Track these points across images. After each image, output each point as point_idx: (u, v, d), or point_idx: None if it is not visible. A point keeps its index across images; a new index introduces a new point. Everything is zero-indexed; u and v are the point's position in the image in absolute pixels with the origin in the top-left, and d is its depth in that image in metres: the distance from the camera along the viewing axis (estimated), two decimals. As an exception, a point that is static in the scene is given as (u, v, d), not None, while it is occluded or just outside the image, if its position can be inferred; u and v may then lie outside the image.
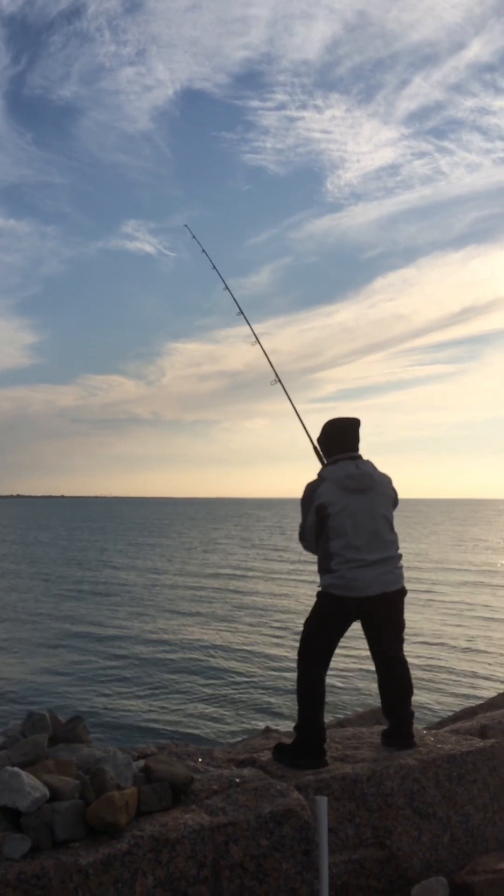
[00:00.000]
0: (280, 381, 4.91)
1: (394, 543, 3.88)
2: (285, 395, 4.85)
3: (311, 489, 3.88)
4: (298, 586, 27.25)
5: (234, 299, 5.25)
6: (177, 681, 13.54)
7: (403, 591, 3.87)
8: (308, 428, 4.51)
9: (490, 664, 14.78)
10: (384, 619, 3.85)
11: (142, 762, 3.25)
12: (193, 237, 5.84)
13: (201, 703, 12.08)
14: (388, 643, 3.92)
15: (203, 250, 5.66)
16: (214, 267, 5.57)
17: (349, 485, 3.80)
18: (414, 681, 4.02)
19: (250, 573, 32.39)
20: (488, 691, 11.88)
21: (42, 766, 2.92)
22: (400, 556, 3.90)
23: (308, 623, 3.89)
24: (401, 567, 3.88)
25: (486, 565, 35.88)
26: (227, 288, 5.39)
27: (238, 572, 32.72)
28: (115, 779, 2.93)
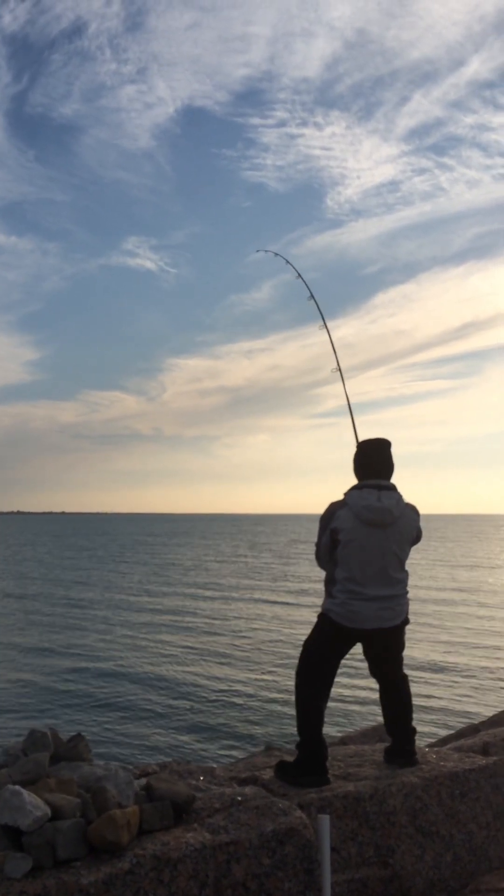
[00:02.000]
0: (340, 370, 4.96)
1: (400, 582, 3.79)
2: (342, 386, 4.90)
3: (330, 510, 3.80)
4: (297, 609, 27.15)
5: (318, 306, 5.27)
6: (178, 699, 13.47)
7: (403, 625, 3.84)
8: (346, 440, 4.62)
9: (491, 681, 14.70)
10: (382, 649, 3.87)
11: (143, 780, 3.23)
12: (287, 262, 5.80)
13: (203, 722, 12.01)
14: (388, 668, 3.93)
15: (298, 275, 5.64)
16: (312, 296, 5.54)
17: (366, 517, 3.67)
18: (415, 699, 4.02)
19: (248, 592, 32.28)
20: (490, 709, 11.81)
21: (43, 784, 2.91)
22: (405, 594, 3.83)
23: (307, 643, 3.87)
24: (403, 604, 3.81)
25: (481, 583, 35.75)
26: (311, 297, 5.40)
27: (236, 592, 32.60)
28: (116, 797, 2.92)
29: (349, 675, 13.25)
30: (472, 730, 6.51)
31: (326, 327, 5.11)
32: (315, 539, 3.97)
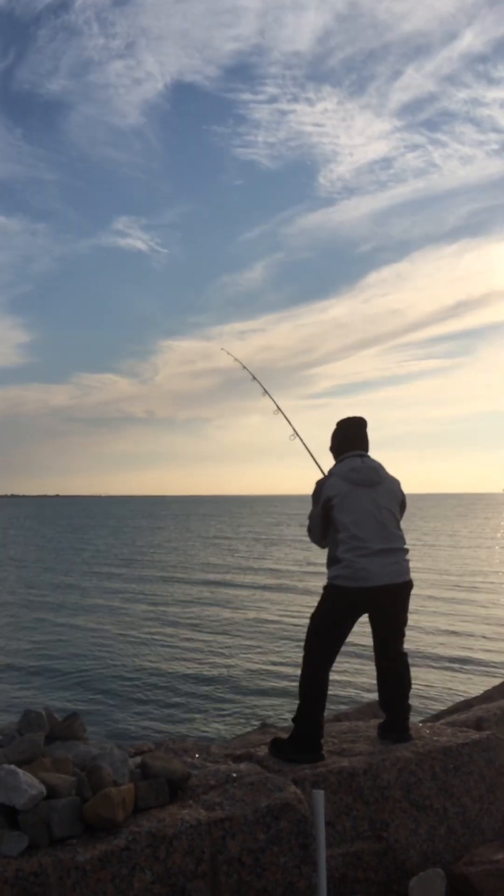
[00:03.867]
0: (298, 435, 4.88)
1: (400, 537, 3.92)
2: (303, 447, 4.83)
3: (319, 485, 4.01)
4: (289, 588, 27.28)
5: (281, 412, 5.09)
6: (173, 677, 13.55)
7: (410, 585, 3.90)
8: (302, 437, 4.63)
9: (485, 657, 14.84)
10: (390, 611, 3.87)
11: (139, 759, 3.25)
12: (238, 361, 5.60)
13: (198, 700, 12.09)
14: (391, 636, 3.94)
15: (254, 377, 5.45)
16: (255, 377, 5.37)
17: (354, 477, 3.90)
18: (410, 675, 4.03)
19: (241, 571, 32.41)
20: (483, 685, 11.92)
21: (39, 763, 2.92)
22: (407, 551, 3.93)
23: (314, 617, 3.87)
24: (408, 560, 3.92)
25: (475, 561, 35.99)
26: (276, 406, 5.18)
27: (229, 572, 32.73)
28: (111, 775, 2.94)
29: (344, 653, 13.35)
30: (466, 705, 6.56)
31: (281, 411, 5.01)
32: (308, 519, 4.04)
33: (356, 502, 3.85)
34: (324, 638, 3.82)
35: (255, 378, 5.29)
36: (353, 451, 4.05)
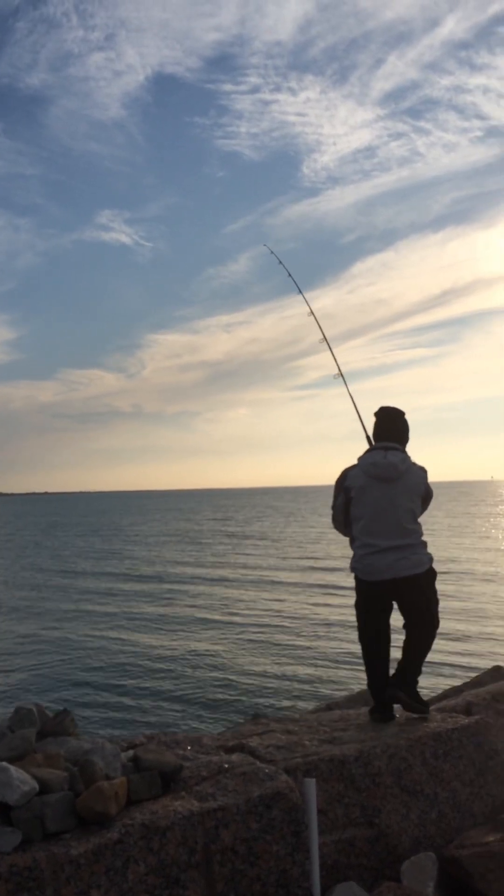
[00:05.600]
0: (342, 375, 5.02)
1: (414, 532, 4.05)
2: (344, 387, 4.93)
3: (343, 473, 4.19)
4: (283, 581, 27.35)
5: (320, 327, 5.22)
6: (164, 671, 13.57)
7: (420, 577, 4.03)
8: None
9: (475, 643, 14.95)
10: (405, 599, 4.08)
11: (131, 752, 3.26)
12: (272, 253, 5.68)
13: (189, 692, 12.12)
14: (410, 622, 4.13)
15: (289, 275, 5.57)
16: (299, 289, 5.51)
17: (373, 472, 4.04)
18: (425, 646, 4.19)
19: (232, 566, 32.46)
20: (474, 670, 12.02)
21: (31, 759, 2.93)
22: (422, 544, 4.07)
23: (355, 604, 4.23)
24: (420, 554, 4.04)
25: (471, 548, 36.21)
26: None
27: (219, 566, 32.77)
28: (103, 769, 2.94)
29: (333, 642, 13.43)
30: (456, 691, 6.62)
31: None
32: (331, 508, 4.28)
33: (372, 497, 4.03)
34: (361, 620, 4.17)
35: (290, 275, 5.46)
36: (380, 443, 4.18)
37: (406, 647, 4.15)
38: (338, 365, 5.09)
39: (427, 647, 4.16)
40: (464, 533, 45.28)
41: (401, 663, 4.16)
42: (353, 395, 4.96)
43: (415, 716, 4.09)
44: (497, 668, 7.16)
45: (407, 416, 4.31)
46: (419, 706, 4.07)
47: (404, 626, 4.18)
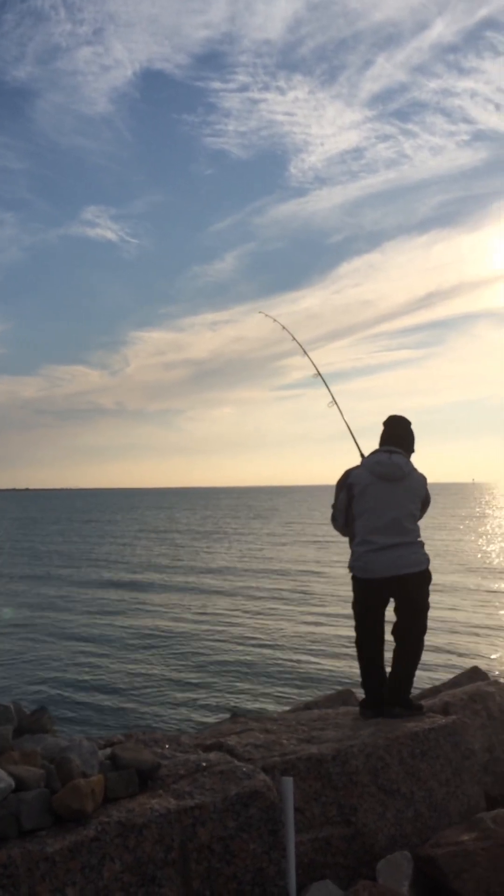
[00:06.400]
0: (336, 403, 5.06)
1: (413, 532, 4.15)
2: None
3: (346, 472, 4.31)
4: (257, 580, 27.37)
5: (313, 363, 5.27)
6: (143, 669, 13.53)
7: (416, 575, 4.12)
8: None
9: (453, 645, 15.04)
10: (401, 597, 4.16)
11: (108, 750, 3.25)
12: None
13: (168, 691, 12.09)
14: (402, 619, 4.21)
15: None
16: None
17: (377, 471, 4.17)
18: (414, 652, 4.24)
19: (210, 564, 32.45)
20: (452, 670, 12.09)
21: (7, 757, 2.91)
22: (420, 543, 4.17)
23: (352, 604, 4.32)
24: (418, 553, 4.14)
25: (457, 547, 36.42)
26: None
27: (196, 565, 32.75)
28: (80, 767, 2.93)
29: (314, 642, 13.45)
30: (433, 691, 6.65)
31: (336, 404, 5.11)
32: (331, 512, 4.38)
33: (375, 494, 4.13)
34: (358, 619, 4.27)
35: (294, 339, 5.51)
36: (385, 447, 4.32)
37: (396, 660, 4.22)
38: (321, 377, 5.13)
39: (417, 658, 4.24)
40: (442, 532, 45.56)
41: (392, 677, 4.22)
42: (335, 395, 4.99)
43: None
44: (475, 669, 7.20)
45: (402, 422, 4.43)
46: (418, 714, 4.17)
47: (394, 633, 4.24)
